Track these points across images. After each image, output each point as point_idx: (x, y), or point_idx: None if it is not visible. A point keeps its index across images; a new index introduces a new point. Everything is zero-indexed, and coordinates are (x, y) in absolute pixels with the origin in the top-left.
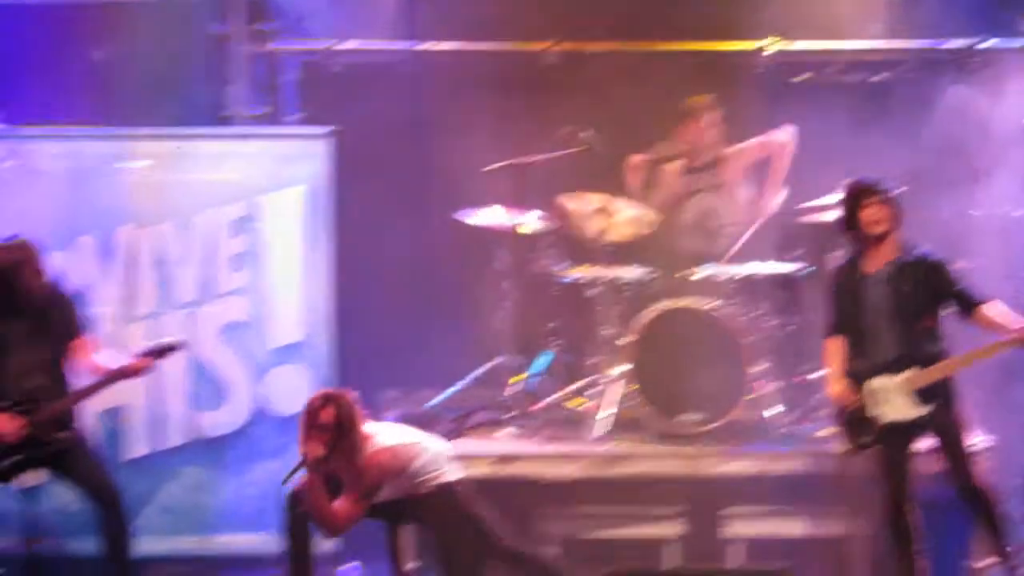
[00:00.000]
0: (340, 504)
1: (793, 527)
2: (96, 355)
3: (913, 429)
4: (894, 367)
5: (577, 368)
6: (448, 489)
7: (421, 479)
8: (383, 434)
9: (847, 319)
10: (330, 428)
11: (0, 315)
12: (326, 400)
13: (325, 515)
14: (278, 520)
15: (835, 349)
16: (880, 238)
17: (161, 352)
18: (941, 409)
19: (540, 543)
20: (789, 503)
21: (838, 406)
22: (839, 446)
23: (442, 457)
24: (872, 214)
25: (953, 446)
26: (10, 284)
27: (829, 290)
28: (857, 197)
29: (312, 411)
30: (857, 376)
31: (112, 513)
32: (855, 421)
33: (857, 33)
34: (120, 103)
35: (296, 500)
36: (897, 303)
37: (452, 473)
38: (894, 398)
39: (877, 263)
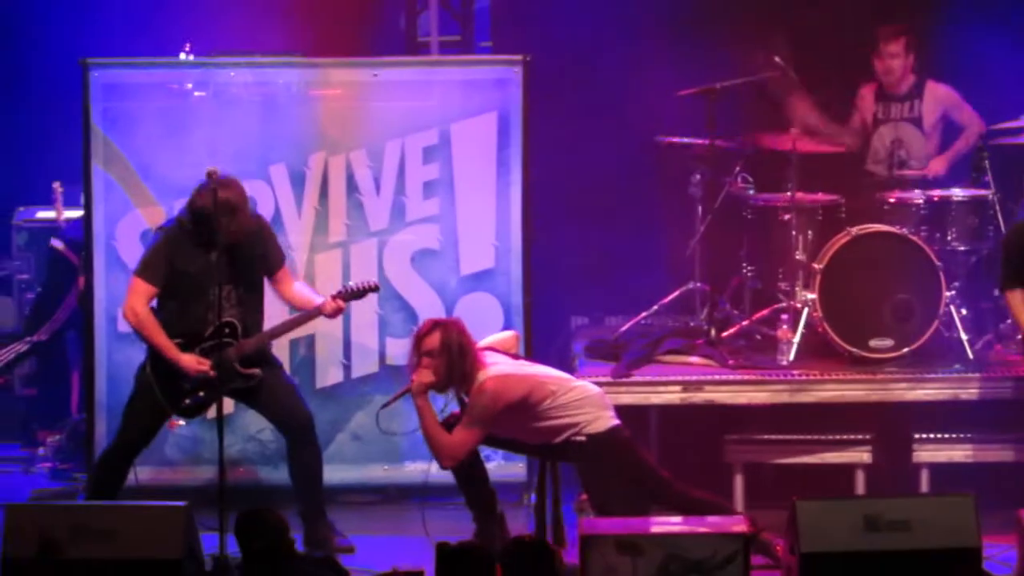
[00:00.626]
0: (455, 432)
1: (984, 454)
2: (294, 287)
3: None
4: None
5: (768, 293)
6: (598, 439)
7: (555, 422)
8: (500, 364)
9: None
10: (437, 354)
11: (204, 249)
12: (433, 326)
13: (435, 442)
14: None
15: (1018, 300)
16: None
17: (357, 293)
18: None
19: (728, 470)
20: (979, 429)
21: None
22: None
23: (590, 403)
24: None
25: None
26: (218, 220)
27: (1006, 245)
28: None
29: (419, 337)
30: None
31: (303, 441)
32: None
33: None
34: (312, 31)
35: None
36: None
37: (603, 421)
38: None
39: None
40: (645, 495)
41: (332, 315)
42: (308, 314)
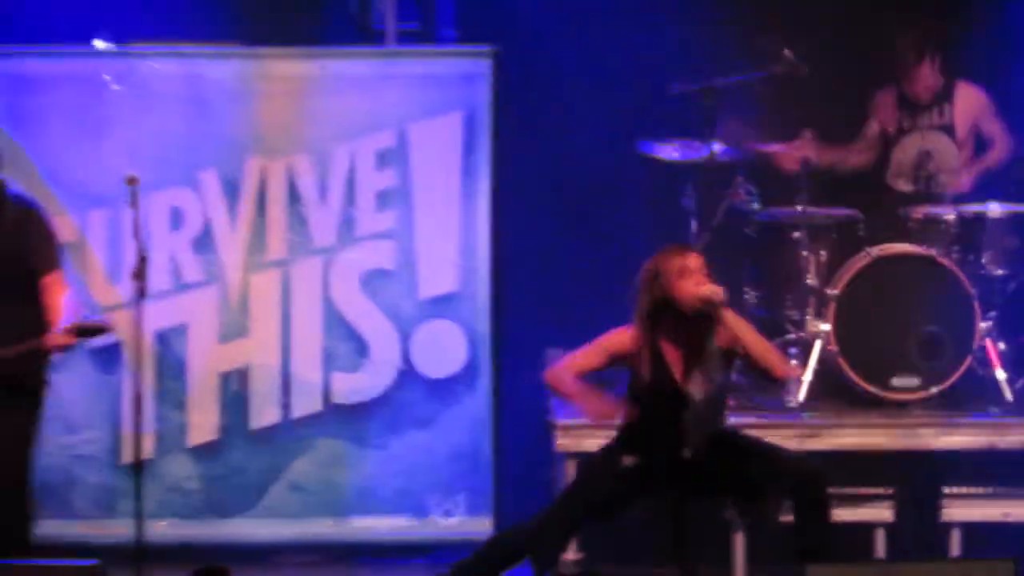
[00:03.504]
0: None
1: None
2: (56, 301)
3: None
4: None
5: (774, 323)
6: None
7: None
8: None
9: None
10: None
11: None
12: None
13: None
14: (423, 502)
15: None
16: None
17: (90, 331)
18: None
19: (726, 528)
20: (1020, 483)
21: None
22: None
23: None
24: None
25: None
26: None
27: None
28: None
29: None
30: None
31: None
32: None
33: None
34: (248, 17)
35: None
36: None
37: None
38: None
39: None
40: None
41: (54, 349)
42: (26, 346)
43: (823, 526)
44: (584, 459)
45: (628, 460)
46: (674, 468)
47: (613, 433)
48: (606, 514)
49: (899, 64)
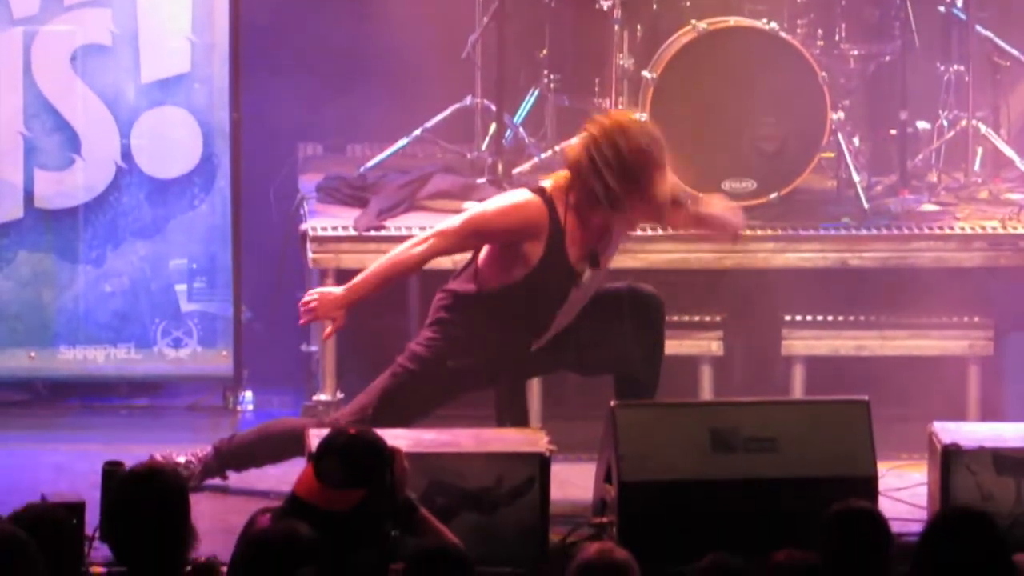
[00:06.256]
0: None
1: (881, 344)
2: None
3: None
4: None
5: (579, 112)
6: None
7: None
8: None
9: None
10: None
11: None
12: None
13: None
14: (147, 329)
15: None
16: None
17: None
18: None
19: None
20: (875, 310)
21: None
22: None
23: None
24: None
25: None
26: None
27: None
28: None
29: None
30: None
31: None
32: None
33: None
34: None
35: None
36: None
37: None
38: None
39: None
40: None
41: None
42: None
43: (652, 360)
44: (403, 359)
45: (458, 363)
46: (518, 361)
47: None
48: (425, 418)
49: None
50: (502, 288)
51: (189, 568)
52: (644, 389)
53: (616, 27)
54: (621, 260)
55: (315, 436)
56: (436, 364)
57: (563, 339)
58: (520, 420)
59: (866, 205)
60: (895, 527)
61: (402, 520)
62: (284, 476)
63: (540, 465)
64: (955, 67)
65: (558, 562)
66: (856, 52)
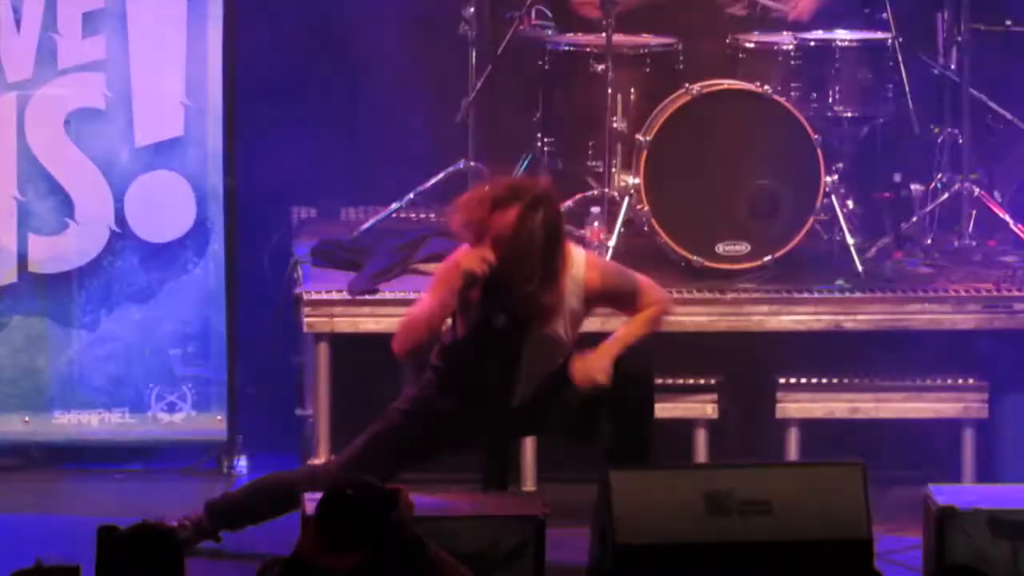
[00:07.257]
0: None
1: (876, 407)
2: None
3: None
4: None
5: (573, 177)
6: None
7: None
8: None
9: None
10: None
11: None
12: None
13: None
14: (141, 394)
15: None
16: None
17: None
18: None
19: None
20: (870, 373)
21: None
22: None
23: None
24: None
25: None
26: None
27: None
28: None
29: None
30: None
31: None
32: None
33: None
34: None
35: None
36: None
37: None
38: None
39: None
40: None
41: None
42: None
43: (640, 429)
44: (395, 403)
45: (444, 404)
46: (500, 417)
47: (426, 370)
48: (415, 465)
49: None
50: (463, 338)
51: None
52: (630, 459)
53: (610, 90)
54: (614, 324)
55: (310, 500)
56: (427, 403)
57: (546, 401)
58: (503, 484)
59: (860, 268)
60: None
61: (414, 558)
62: (279, 538)
63: (535, 528)
64: (949, 129)
65: None
66: (850, 114)
